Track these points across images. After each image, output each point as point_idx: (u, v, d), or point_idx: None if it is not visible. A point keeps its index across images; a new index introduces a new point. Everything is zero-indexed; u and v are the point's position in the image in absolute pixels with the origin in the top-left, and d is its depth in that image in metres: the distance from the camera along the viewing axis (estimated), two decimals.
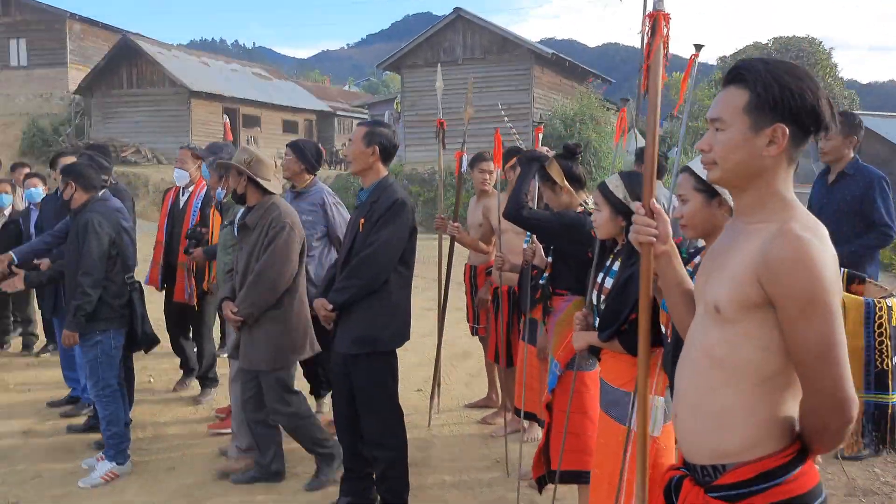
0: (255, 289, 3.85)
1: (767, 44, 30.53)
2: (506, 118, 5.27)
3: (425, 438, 4.90)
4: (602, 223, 2.88)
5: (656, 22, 1.92)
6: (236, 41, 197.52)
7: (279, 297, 3.90)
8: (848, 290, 2.33)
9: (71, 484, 4.25)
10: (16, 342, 7.47)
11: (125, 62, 28.40)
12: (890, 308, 2.16)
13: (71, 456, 4.69)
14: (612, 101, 29.95)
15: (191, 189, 5.58)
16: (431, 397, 5.07)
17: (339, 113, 37.63)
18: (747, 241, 1.61)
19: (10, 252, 4.95)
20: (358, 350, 3.56)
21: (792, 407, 1.60)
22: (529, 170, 3.77)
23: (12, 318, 7.55)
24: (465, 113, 4.89)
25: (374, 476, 3.74)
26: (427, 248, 6.89)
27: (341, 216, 4.74)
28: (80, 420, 5.24)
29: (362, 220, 3.60)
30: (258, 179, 3.93)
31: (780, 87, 1.56)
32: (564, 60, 25.00)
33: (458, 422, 5.26)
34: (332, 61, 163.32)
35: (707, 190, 2.14)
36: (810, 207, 4.51)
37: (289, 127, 33.57)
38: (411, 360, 6.85)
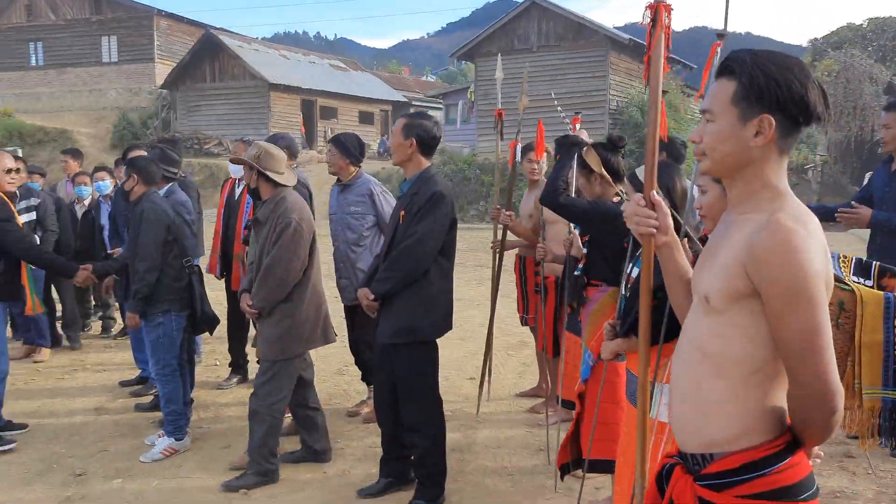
0: (265, 284, 3.93)
1: (862, 24, 28.97)
2: (558, 107, 5.22)
3: (472, 425, 4.95)
4: (713, 203, 2.84)
5: (657, 12, 1.90)
6: (318, 33, 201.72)
7: (289, 290, 3.97)
8: (878, 284, 2.25)
9: (134, 458, 4.50)
10: (96, 325, 7.92)
11: (208, 56, 29.46)
12: None
13: (136, 432, 4.96)
14: (694, 88, 29.13)
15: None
16: (480, 385, 5.11)
17: (414, 103, 37.96)
18: (737, 232, 1.61)
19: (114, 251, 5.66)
20: (398, 340, 3.63)
21: (780, 398, 1.59)
22: (568, 156, 3.77)
23: (93, 303, 8.00)
24: (519, 103, 4.89)
25: (413, 459, 3.81)
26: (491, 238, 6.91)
27: (389, 205, 4.75)
28: (147, 399, 5.53)
29: (402, 212, 3.66)
30: (267, 173, 3.98)
31: (766, 78, 1.54)
32: (643, 46, 24.41)
33: (506, 410, 5.29)
34: (412, 51, 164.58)
35: None
36: (872, 196, 4.32)
37: (365, 118, 34.13)
38: (468, 349, 6.94)
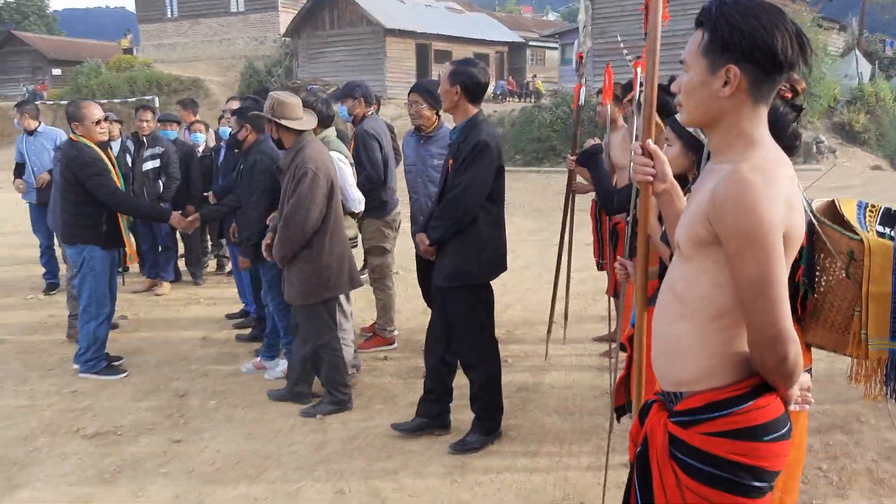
0: (286, 232, 4.11)
1: None
2: (624, 50, 5.09)
3: (542, 367, 5.07)
4: (673, 158, 2.84)
5: None
6: None
7: (309, 238, 4.14)
8: None
9: (229, 383, 4.96)
10: (211, 263, 8.56)
11: (327, 3, 30.05)
12: None
13: (234, 360, 5.43)
14: (832, 20, 26.89)
15: None
16: (549, 330, 5.20)
17: (530, 43, 37.24)
18: (709, 182, 1.65)
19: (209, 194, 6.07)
20: (450, 283, 3.78)
21: (746, 343, 1.62)
22: (594, 164, 3.84)
23: (210, 242, 8.62)
24: (582, 45, 4.82)
25: (470, 395, 3.97)
26: None
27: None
28: (246, 331, 6.01)
29: (451, 161, 3.76)
30: (282, 122, 4.11)
31: (730, 28, 1.55)
32: None
33: (580, 353, 5.36)
34: None
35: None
36: None
37: (480, 60, 33.81)
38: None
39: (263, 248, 4.47)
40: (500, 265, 3.90)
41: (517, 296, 7.00)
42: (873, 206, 2.22)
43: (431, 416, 4.06)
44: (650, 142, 1.95)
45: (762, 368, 1.58)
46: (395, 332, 5.66)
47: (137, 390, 4.87)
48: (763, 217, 1.49)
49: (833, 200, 2.28)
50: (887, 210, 2.21)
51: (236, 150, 5.95)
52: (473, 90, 3.72)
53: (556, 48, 32.12)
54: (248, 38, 33.61)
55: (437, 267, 3.85)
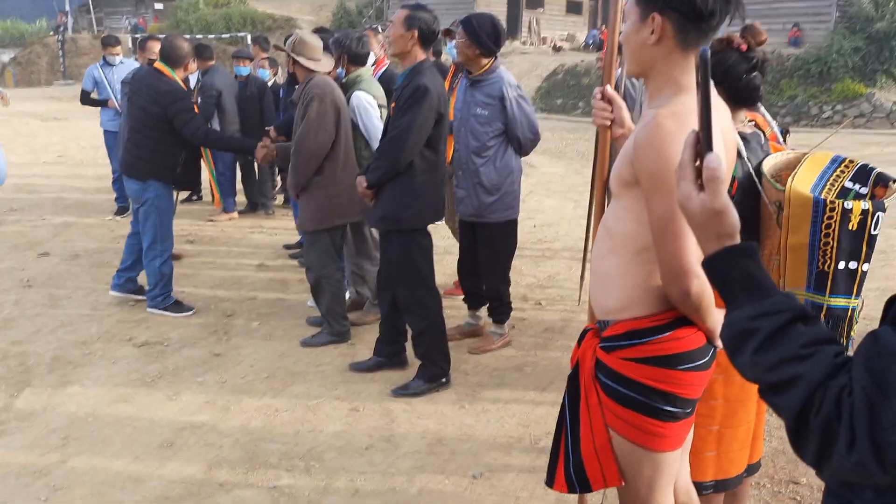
0: (296, 159, 4.21)
1: None
2: None
3: (573, 310, 5.11)
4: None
5: None
6: None
7: (320, 164, 4.21)
8: (872, 192, 2.10)
9: (276, 307, 5.23)
10: (280, 196, 8.88)
11: None
12: (848, 211, 1.96)
13: (283, 287, 5.70)
14: None
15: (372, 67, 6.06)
16: (582, 274, 5.19)
17: None
18: (639, 126, 1.68)
19: (271, 128, 5.77)
20: (384, 227, 3.80)
21: None
22: None
23: (279, 175, 8.92)
24: None
25: (412, 340, 3.97)
26: None
27: (522, 112, 4.14)
28: (301, 260, 6.27)
29: (393, 104, 3.74)
30: (300, 59, 4.22)
31: None
32: None
33: None
34: None
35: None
36: None
37: (573, 7, 32.91)
38: None
39: (257, 154, 4.75)
40: (434, 213, 3.85)
41: (567, 243, 6.99)
42: (851, 162, 2.16)
43: (387, 355, 4.13)
44: (609, 87, 2.00)
45: (672, 301, 1.66)
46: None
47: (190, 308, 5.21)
48: (670, 158, 1.55)
49: (803, 153, 2.23)
50: (863, 166, 2.14)
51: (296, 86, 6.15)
52: (427, 37, 3.65)
53: None
54: None
55: (373, 210, 3.84)
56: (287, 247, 6.78)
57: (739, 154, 2.19)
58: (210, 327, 4.85)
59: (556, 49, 27.47)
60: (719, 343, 1.72)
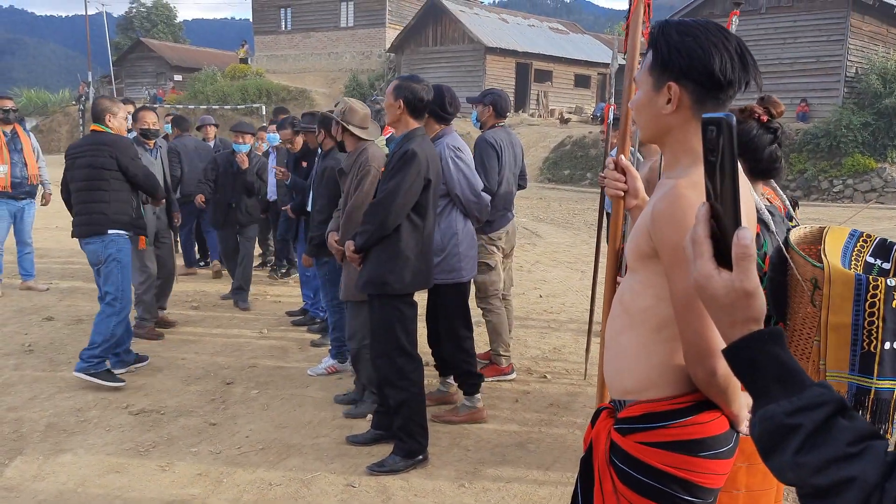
0: (345, 227, 4.18)
1: None
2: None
3: (578, 385, 5.01)
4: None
5: None
6: None
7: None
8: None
9: (274, 376, 5.16)
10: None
11: (432, 21, 30.69)
12: (892, 289, 1.88)
13: (284, 354, 5.65)
14: None
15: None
16: (587, 349, 5.14)
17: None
18: (655, 196, 1.67)
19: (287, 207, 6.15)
20: (368, 290, 3.75)
21: None
22: None
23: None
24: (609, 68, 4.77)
25: (391, 413, 3.86)
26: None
27: (460, 171, 4.24)
28: (303, 329, 6.23)
29: (382, 169, 3.79)
30: (350, 128, 4.24)
31: (668, 47, 1.58)
32: (891, 6, 21.59)
33: None
34: (653, 11, 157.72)
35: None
36: None
37: (581, 81, 33.69)
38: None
39: (329, 240, 4.58)
40: (421, 279, 3.80)
41: (573, 315, 6.94)
42: (868, 237, 2.12)
43: (385, 427, 4.02)
44: (623, 157, 1.98)
45: (696, 382, 1.57)
46: (511, 361, 5.20)
47: (190, 374, 5.15)
48: None
49: (823, 228, 2.19)
50: (882, 241, 2.09)
51: (304, 163, 6.28)
52: (415, 105, 3.73)
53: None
54: (355, 52, 34.73)
55: (360, 273, 3.82)
56: (290, 314, 6.75)
57: (767, 228, 2.15)
58: (208, 395, 4.78)
59: (564, 121, 27.97)
60: (743, 429, 1.65)
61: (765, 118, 2.22)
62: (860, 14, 21.00)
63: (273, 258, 8.69)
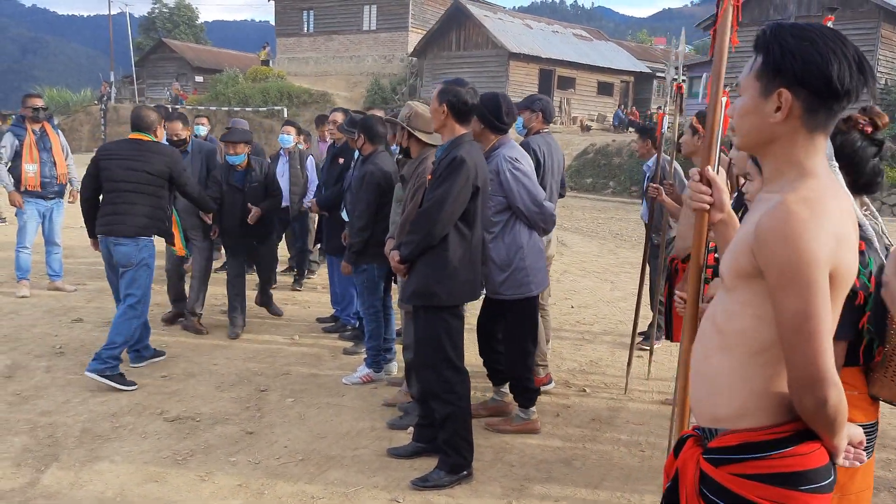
0: (400, 237, 4.00)
1: None
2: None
3: (620, 399, 4.90)
4: (755, 193, 2.70)
5: None
6: (575, 2, 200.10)
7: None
8: None
9: (309, 383, 5.08)
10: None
11: (455, 25, 30.68)
12: None
13: (317, 362, 5.57)
14: None
15: None
16: (629, 362, 5.03)
17: (658, 74, 36.50)
18: (756, 211, 1.59)
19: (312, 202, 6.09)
20: (415, 302, 3.66)
21: None
22: None
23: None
24: (676, 76, 4.68)
25: (437, 427, 3.76)
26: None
27: (519, 183, 4.06)
28: (334, 336, 6.16)
29: (429, 177, 3.68)
30: (416, 133, 4.11)
31: (782, 50, 1.49)
32: None
33: (662, 390, 5.13)
34: (672, 20, 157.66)
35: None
36: None
37: (604, 88, 33.55)
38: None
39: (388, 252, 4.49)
40: (469, 291, 3.70)
41: (607, 326, 6.82)
42: None
43: (427, 440, 3.92)
44: (709, 168, 1.87)
45: (802, 411, 1.48)
46: (549, 371, 5.06)
47: (223, 381, 5.07)
48: (806, 250, 1.41)
49: None
50: None
51: (341, 160, 6.17)
52: (460, 109, 3.61)
53: (683, 79, 31.32)
54: (377, 55, 34.75)
55: (405, 284, 3.72)
56: (320, 321, 6.67)
57: (871, 245, 2.05)
58: (243, 402, 4.71)
59: (585, 129, 27.84)
60: (842, 460, 1.55)
61: (869, 129, 2.11)
62: (891, 25, 20.75)
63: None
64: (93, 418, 4.37)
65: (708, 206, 1.85)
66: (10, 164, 7.06)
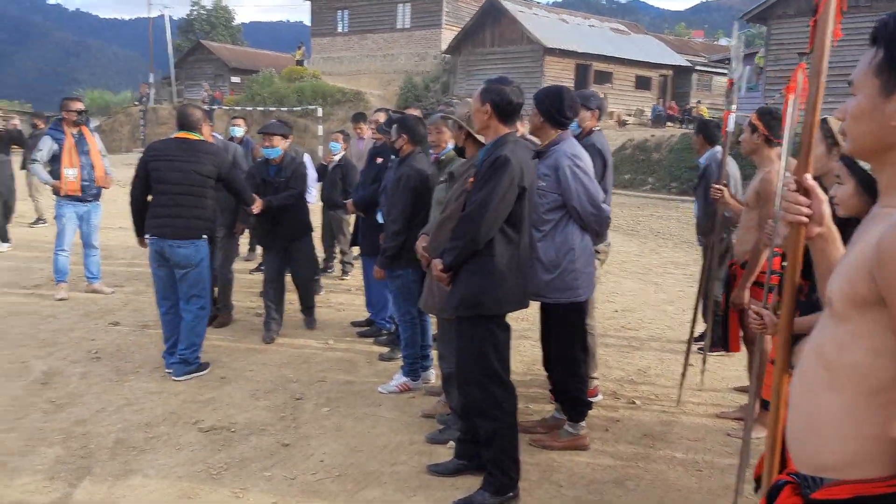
0: (435, 237, 3.89)
1: None
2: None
3: (672, 413, 4.65)
4: (844, 199, 2.45)
5: None
6: None
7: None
8: None
9: (345, 391, 4.92)
10: (337, 266, 8.72)
11: (490, 21, 30.40)
12: None
13: (352, 368, 5.42)
14: None
15: None
16: (683, 373, 4.77)
17: (697, 68, 35.83)
18: (873, 228, 1.36)
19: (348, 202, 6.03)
20: (460, 312, 3.45)
21: None
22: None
23: (338, 248, 8.73)
24: (733, 71, 4.42)
25: (481, 443, 3.56)
26: None
27: (578, 182, 3.83)
28: (369, 340, 6.00)
29: (471, 179, 3.47)
30: (476, 135, 3.89)
31: None
32: None
33: (717, 402, 4.87)
34: (710, 12, 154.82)
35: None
36: None
37: (641, 83, 33.01)
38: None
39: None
40: (517, 299, 3.49)
41: (654, 332, 6.55)
42: None
43: (468, 457, 3.72)
44: (808, 177, 1.64)
45: None
46: (597, 382, 4.80)
47: (257, 388, 4.95)
48: None
49: None
50: None
51: (379, 160, 6.00)
52: (504, 109, 3.43)
53: (724, 74, 30.66)
54: (411, 53, 34.63)
55: (449, 294, 3.53)
56: (355, 324, 6.52)
57: None
58: (277, 411, 4.57)
59: (622, 124, 27.38)
60: None
61: None
62: None
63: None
64: (126, 428, 4.26)
65: (806, 220, 1.62)
66: (49, 167, 7.04)
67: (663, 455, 4.04)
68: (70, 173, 7.00)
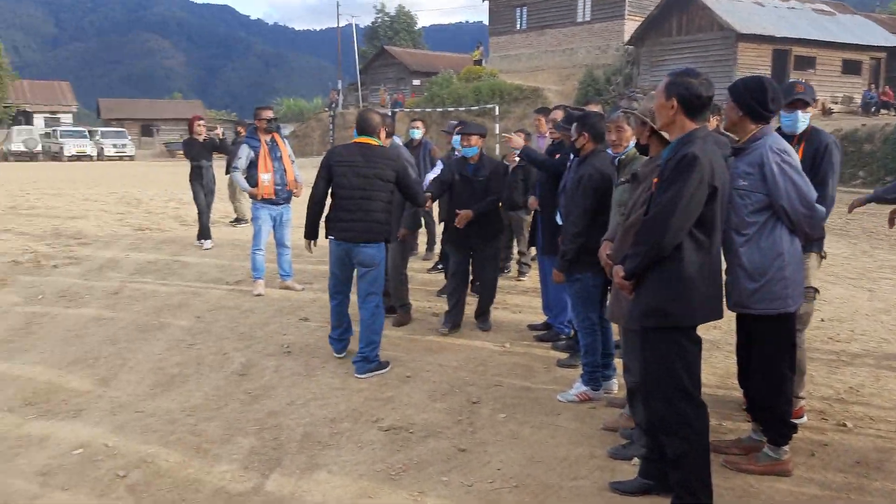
0: (620, 244, 3.63)
1: None
2: None
3: (891, 439, 4.07)
4: None
5: None
6: None
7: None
8: None
9: (522, 397, 4.81)
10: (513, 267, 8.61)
11: (676, 9, 29.03)
12: None
13: (529, 373, 5.29)
14: None
15: None
16: None
17: None
18: None
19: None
20: (645, 323, 3.17)
21: None
22: None
23: (515, 248, 8.62)
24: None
25: (668, 465, 3.26)
26: None
27: (787, 179, 3.46)
28: (547, 345, 5.85)
29: (655, 180, 3.17)
30: (663, 133, 3.54)
31: None
32: None
33: None
34: None
35: None
36: None
37: (850, 67, 30.08)
38: None
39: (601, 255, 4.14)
40: (710, 309, 3.19)
41: (868, 345, 5.84)
42: None
43: (655, 477, 3.45)
44: None
45: None
46: (803, 402, 4.37)
47: (435, 389, 4.96)
48: None
49: None
50: None
51: (557, 156, 5.84)
52: (692, 104, 3.13)
53: None
54: (591, 46, 33.93)
55: (632, 304, 3.26)
56: (532, 328, 6.39)
57: None
58: (454, 414, 4.55)
59: (827, 112, 25.05)
60: None
61: None
62: None
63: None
64: (313, 422, 4.43)
65: None
66: (245, 173, 7.57)
67: (880, 487, 3.54)
68: (265, 178, 7.48)
